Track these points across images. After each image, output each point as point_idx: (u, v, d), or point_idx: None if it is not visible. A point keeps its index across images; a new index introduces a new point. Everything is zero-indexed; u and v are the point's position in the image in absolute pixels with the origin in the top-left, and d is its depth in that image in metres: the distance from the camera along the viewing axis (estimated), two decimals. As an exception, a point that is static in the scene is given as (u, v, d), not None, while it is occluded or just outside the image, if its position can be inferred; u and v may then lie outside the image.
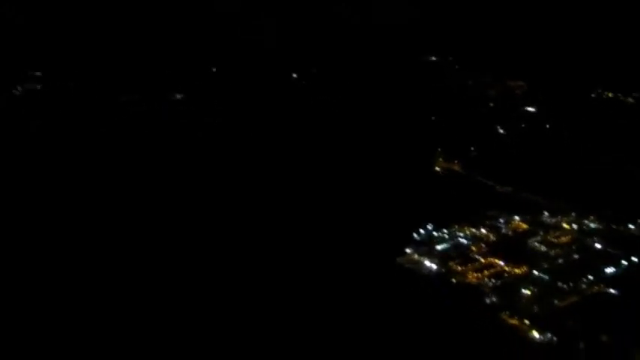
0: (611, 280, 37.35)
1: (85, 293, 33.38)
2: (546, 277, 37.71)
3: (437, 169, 57.50)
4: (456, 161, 57.29)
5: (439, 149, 59.83)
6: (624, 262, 38.86)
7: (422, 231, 46.33)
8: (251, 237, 38.47)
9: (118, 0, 72.10)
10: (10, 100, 53.68)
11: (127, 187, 44.44)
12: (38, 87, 55.38)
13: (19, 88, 53.97)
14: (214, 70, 62.62)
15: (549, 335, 32.82)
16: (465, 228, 44.70)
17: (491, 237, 43.38)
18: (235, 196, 42.60)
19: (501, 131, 63.25)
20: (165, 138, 51.36)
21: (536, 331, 33.36)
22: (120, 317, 31.59)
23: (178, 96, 57.02)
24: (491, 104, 71.33)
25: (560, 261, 39.77)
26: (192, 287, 33.57)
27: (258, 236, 38.76)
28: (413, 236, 46.20)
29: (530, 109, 67.97)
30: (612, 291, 36.39)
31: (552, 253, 40.37)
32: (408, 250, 43.52)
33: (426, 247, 43.69)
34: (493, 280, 37.93)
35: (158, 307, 32.10)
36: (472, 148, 58.98)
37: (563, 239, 41.94)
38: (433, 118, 68.62)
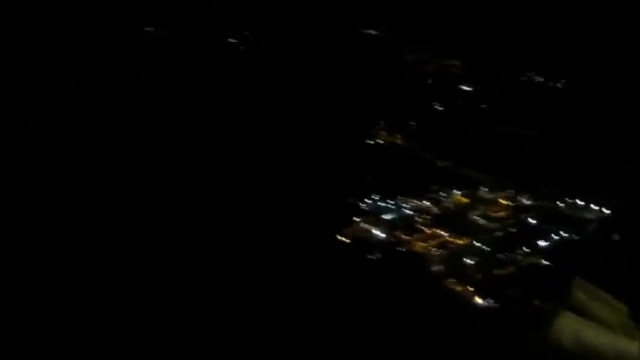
0: (544, 252, 40.99)
1: (86, 293, 34.19)
2: (487, 248, 40.92)
3: (380, 141, 59.86)
4: (398, 135, 59.77)
5: (381, 122, 62.15)
6: (555, 236, 42.56)
7: (368, 201, 48.78)
8: (248, 233, 39.39)
9: (118, 0, 71.65)
10: (11, 100, 53.45)
11: (128, 187, 45.15)
12: (38, 87, 55.37)
13: (20, 88, 53.93)
14: (214, 69, 63.44)
15: (491, 301, 36.05)
16: (410, 200, 47.37)
17: (435, 209, 46.21)
18: (233, 194, 43.54)
19: (440, 108, 66.19)
20: (165, 138, 52.10)
21: (480, 297, 36.52)
22: (120, 317, 32.46)
23: (178, 96, 58.02)
24: (429, 81, 74.18)
25: (499, 234, 43.04)
26: (190, 284, 34.65)
27: (253, 232, 39.69)
28: (360, 206, 48.58)
29: (465, 87, 71.20)
30: (545, 262, 40.01)
31: (491, 226, 43.63)
32: (356, 219, 45.86)
33: (373, 216, 46.12)
34: (438, 250, 40.85)
35: (158, 307, 33.08)
36: (413, 123, 61.60)
37: (501, 214, 45.20)
38: (373, 90, 70.87)
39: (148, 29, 67.28)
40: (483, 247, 40.71)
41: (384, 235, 43.06)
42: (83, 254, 37.80)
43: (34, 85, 54.77)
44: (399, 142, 59.17)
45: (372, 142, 58.06)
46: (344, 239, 43.00)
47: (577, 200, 45.27)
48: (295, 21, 70.94)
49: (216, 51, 67.31)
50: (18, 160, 45.70)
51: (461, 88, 70.98)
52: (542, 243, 41.53)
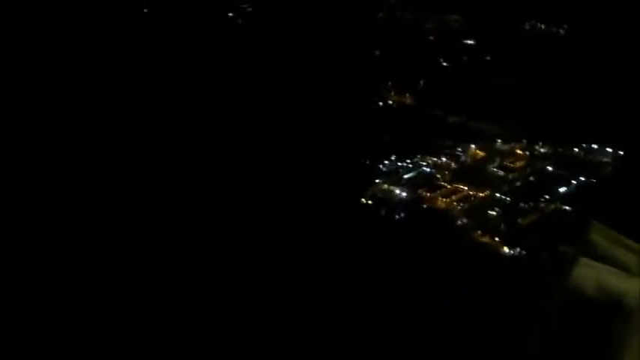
0: (564, 198, 41.85)
1: (85, 293, 34.18)
2: (508, 198, 41.79)
3: (390, 102, 60.38)
4: (407, 94, 60.24)
5: (390, 83, 62.64)
6: (573, 182, 43.41)
7: (387, 162, 49.53)
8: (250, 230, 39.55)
9: (118, 0, 70.82)
10: (11, 100, 52.73)
11: (128, 187, 44.89)
12: (38, 87, 54.60)
13: (20, 88, 53.17)
14: (214, 69, 62.66)
15: (518, 249, 36.97)
16: (427, 157, 48.12)
17: (453, 165, 46.99)
18: (234, 195, 43.50)
19: (445, 64, 66.47)
20: (165, 138, 51.61)
21: (506, 247, 37.44)
22: (120, 317, 32.45)
23: (178, 96, 57.31)
24: (431, 38, 74.27)
25: (518, 184, 43.91)
26: (190, 285, 34.72)
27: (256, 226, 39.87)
28: (379, 168, 49.37)
29: (468, 41, 71.29)
30: (566, 208, 40.88)
31: (510, 177, 44.44)
32: (377, 181, 46.66)
33: (393, 177, 46.93)
34: (461, 204, 41.69)
35: (158, 307, 33.11)
36: (421, 82, 62.06)
37: (518, 164, 46.03)
38: (378, 52, 71.20)
39: (148, 29, 66.84)
40: (505, 197, 41.58)
41: (405, 194, 43.91)
42: (83, 253, 38.33)
43: (34, 85, 54.23)
44: (408, 101, 59.67)
45: (382, 104, 58.65)
46: (367, 201, 43.86)
47: (591, 144, 46.02)
48: (295, 21, 70.88)
49: (217, 51, 67.06)
50: (18, 159, 45.80)
51: (463, 42, 71.09)
52: (561, 189, 42.38)
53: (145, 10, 68.85)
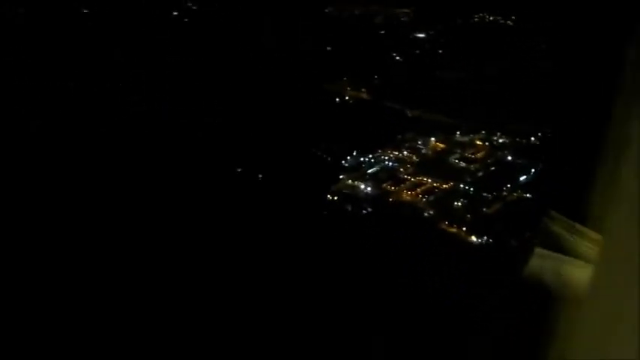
0: (525, 186, 43.01)
1: (85, 293, 33.84)
2: (472, 189, 42.67)
3: (346, 98, 60.68)
4: (363, 89, 60.65)
5: (345, 78, 62.87)
6: (533, 170, 44.62)
7: (349, 158, 49.88)
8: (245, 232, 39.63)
9: (118, 0, 69.75)
10: (10, 100, 51.59)
11: (127, 187, 44.36)
12: (38, 87, 53.64)
13: (20, 88, 52.06)
14: (214, 69, 62.37)
15: (485, 238, 37.83)
16: (389, 151, 48.67)
17: (414, 158, 47.67)
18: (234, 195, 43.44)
19: (397, 58, 67.16)
20: (165, 138, 51.18)
21: (473, 236, 38.27)
22: (120, 317, 32.28)
23: (178, 96, 57.08)
24: (382, 32, 74.75)
25: (480, 174, 44.87)
26: (190, 284, 34.70)
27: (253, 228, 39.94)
28: (342, 163, 49.69)
29: (419, 35, 72.11)
30: (527, 195, 42.03)
31: (472, 167, 45.36)
32: (341, 177, 46.97)
33: (357, 172, 47.31)
34: (426, 197, 42.37)
35: (157, 307, 33.01)
36: (375, 76, 62.49)
37: (479, 155, 47.02)
38: (329, 49, 71.27)
39: (148, 29, 66.32)
40: (468, 188, 42.47)
41: (370, 189, 44.41)
42: (83, 253, 37.89)
43: (34, 85, 53.18)
44: (364, 96, 60.15)
45: (338, 100, 58.99)
46: (333, 198, 44.19)
47: (547, 133, 47.38)
48: (295, 21, 71.12)
49: (216, 51, 66.76)
50: (18, 160, 45.06)
51: (415, 36, 72.00)
52: (522, 177, 43.55)
53: (145, 11, 68.34)
